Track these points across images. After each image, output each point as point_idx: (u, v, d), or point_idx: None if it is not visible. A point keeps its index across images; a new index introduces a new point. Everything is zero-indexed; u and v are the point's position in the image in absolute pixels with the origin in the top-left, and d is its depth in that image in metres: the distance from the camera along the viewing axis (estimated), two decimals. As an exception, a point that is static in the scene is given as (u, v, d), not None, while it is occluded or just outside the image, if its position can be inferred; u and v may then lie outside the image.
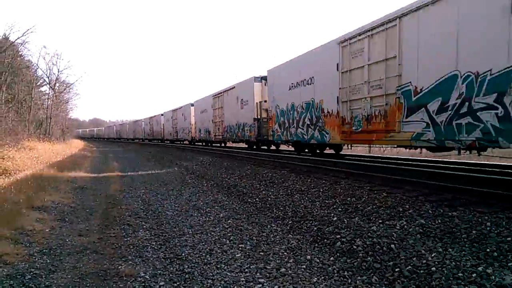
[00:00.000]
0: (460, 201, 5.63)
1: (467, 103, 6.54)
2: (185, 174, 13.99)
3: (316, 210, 6.55)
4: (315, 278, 4.19)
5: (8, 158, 15.01)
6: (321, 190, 7.66)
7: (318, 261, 4.69)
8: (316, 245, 5.27)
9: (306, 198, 7.39)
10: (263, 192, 8.60)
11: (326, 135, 11.33)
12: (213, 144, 26.87)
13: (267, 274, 4.34)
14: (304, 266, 4.53)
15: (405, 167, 8.63)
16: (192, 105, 29.33)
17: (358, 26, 9.61)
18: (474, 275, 3.60)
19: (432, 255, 4.12)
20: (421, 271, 3.90)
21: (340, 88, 10.40)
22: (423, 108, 7.51)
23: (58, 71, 38.50)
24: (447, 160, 11.09)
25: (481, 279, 3.53)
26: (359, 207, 6.23)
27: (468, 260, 3.89)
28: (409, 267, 4.04)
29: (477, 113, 6.35)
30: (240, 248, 5.29)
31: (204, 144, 28.71)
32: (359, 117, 9.63)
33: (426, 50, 7.45)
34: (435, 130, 7.24)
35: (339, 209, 6.38)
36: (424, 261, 4.04)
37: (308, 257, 4.83)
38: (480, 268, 3.68)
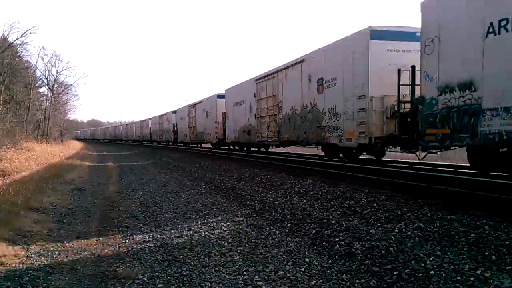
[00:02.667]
0: (458, 205, 5.64)
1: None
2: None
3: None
4: (314, 281, 4.19)
5: (6, 159, 14.98)
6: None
7: (317, 264, 4.69)
8: (315, 247, 5.28)
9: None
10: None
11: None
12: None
13: (266, 277, 4.33)
14: (303, 269, 4.53)
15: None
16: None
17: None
18: (472, 278, 3.61)
19: (431, 259, 4.13)
20: (420, 275, 3.90)
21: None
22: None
23: (57, 72, 38.32)
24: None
25: (479, 282, 3.53)
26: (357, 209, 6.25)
27: (466, 264, 3.90)
28: (408, 270, 4.04)
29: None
30: (238, 251, 5.28)
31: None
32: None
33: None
34: None
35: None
36: (423, 265, 4.05)
37: (307, 260, 4.83)
38: (478, 272, 3.69)
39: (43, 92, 39.20)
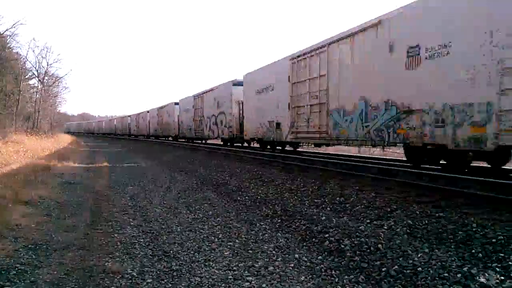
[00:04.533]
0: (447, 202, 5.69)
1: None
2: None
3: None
4: (303, 277, 4.21)
5: (-6, 151, 14.77)
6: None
7: (306, 259, 4.71)
8: (305, 244, 5.30)
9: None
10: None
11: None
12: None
13: (255, 272, 4.35)
14: (292, 265, 4.55)
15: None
16: (177, 103, 30.49)
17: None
18: (459, 275, 3.66)
19: (419, 255, 4.17)
20: (408, 271, 3.94)
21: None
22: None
23: (47, 64, 37.90)
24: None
25: (466, 279, 3.58)
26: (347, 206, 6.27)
27: (453, 261, 3.95)
28: (396, 267, 4.08)
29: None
30: (228, 246, 5.28)
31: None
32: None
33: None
34: None
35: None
36: (411, 261, 4.09)
37: (296, 255, 4.85)
38: (465, 269, 3.74)
39: (33, 84, 38.74)
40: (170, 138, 33.51)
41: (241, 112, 18.40)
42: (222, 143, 22.09)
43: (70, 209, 7.66)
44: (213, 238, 5.68)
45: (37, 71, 36.93)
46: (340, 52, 10.30)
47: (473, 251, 4.07)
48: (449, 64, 6.94)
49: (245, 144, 18.94)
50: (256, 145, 17.26)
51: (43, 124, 37.99)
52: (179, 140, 30.27)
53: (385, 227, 5.13)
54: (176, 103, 30.63)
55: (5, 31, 27.18)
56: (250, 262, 4.66)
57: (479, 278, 3.52)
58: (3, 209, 6.91)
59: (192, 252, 5.08)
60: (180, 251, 5.10)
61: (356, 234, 5.07)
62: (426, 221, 5.01)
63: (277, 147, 15.80)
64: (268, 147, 16.01)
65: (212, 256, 4.90)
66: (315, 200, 7.00)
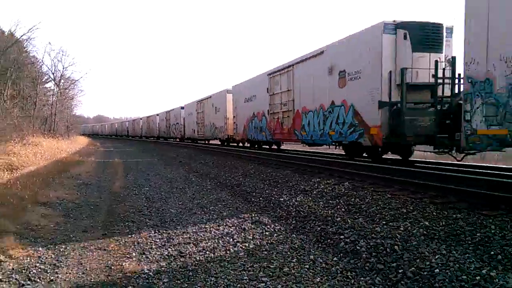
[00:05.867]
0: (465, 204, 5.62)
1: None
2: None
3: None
4: (318, 278, 4.20)
5: (13, 153, 15.11)
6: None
7: (321, 261, 4.69)
8: (320, 245, 5.29)
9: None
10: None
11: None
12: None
13: (270, 273, 4.35)
14: (307, 266, 4.54)
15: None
16: (182, 108, 34.44)
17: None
18: (477, 277, 3.60)
19: (436, 257, 4.12)
20: (425, 273, 3.90)
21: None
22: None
23: (63, 68, 38.46)
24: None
25: (484, 282, 3.52)
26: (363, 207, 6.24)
27: (472, 263, 3.89)
28: (413, 268, 4.04)
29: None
30: (243, 247, 5.30)
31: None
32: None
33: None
34: None
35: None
36: (428, 263, 4.04)
37: (312, 257, 4.84)
38: (484, 271, 3.68)
39: (49, 87, 39.43)
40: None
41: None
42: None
43: (88, 210, 7.79)
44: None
45: (53, 74, 37.59)
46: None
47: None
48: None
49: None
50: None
51: (60, 126, 38.60)
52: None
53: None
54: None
55: (22, 36, 27.78)
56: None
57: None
58: (22, 210, 7.07)
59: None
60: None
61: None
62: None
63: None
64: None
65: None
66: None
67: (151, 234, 6.00)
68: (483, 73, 6.13)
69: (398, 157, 11.08)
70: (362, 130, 10.01)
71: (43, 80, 35.97)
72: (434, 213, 5.41)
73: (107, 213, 7.54)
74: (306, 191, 8.08)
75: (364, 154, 11.31)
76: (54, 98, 37.13)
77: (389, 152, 10.77)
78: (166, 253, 5.14)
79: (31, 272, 4.37)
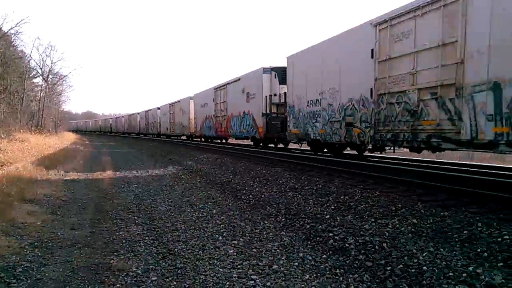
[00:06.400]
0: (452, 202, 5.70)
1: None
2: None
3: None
4: (307, 276, 4.21)
5: (0, 150, 14.85)
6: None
7: (311, 258, 4.71)
8: (309, 242, 5.30)
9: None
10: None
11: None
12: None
13: (260, 271, 4.35)
14: (297, 264, 4.55)
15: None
16: (159, 108, 37.64)
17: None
18: (464, 274, 3.65)
19: (424, 255, 4.16)
20: (412, 270, 3.94)
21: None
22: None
23: (52, 63, 38.01)
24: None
25: (471, 278, 3.57)
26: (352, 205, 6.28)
27: (459, 260, 3.93)
28: (401, 266, 4.07)
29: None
30: (232, 245, 5.29)
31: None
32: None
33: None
34: None
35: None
36: (416, 260, 4.08)
37: (301, 254, 4.85)
38: (470, 268, 3.73)
39: (37, 82, 38.87)
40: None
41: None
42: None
43: (75, 207, 7.69)
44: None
45: (41, 69, 37.08)
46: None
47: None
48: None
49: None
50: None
51: (48, 122, 38.09)
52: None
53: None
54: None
55: (9, 30, 27.29)
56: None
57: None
58: (9, 207, 6.95)
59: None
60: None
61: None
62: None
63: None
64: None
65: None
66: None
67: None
68: (291, 102, 13.35)
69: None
70: (256, 129, 16.82)
71: (31, 75, 35.44)
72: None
73: (95, 211, 7.45)
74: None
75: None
76: (42, 94, 36.62)
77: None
78: (154, 250, 5.10)
79: (17, 270, 4.30)
